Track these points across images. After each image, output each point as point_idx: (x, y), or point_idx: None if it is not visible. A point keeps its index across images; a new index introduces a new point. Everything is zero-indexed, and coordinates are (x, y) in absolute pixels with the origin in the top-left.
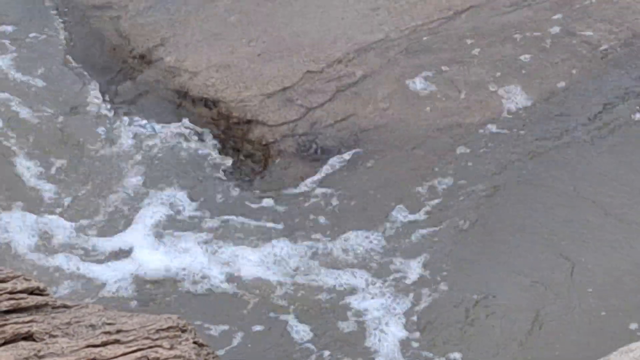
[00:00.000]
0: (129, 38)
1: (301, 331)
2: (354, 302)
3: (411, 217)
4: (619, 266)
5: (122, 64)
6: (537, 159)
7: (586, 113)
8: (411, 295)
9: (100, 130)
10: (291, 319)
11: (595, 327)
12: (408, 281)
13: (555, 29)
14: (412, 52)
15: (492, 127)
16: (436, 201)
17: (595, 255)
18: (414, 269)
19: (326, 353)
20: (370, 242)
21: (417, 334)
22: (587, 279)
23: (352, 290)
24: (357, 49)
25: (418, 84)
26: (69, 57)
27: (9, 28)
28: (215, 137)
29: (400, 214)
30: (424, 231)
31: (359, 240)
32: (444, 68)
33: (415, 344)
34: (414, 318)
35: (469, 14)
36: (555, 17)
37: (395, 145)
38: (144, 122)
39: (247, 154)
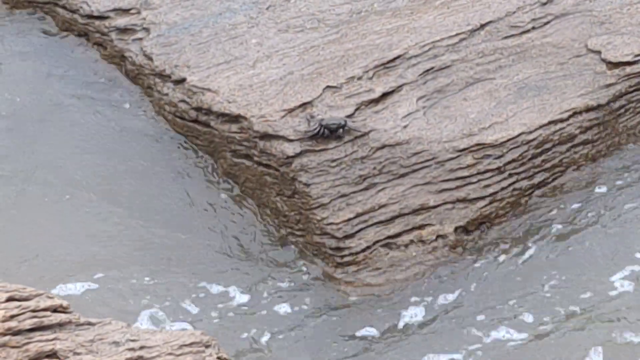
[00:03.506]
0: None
1: None
2: None
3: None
4: None
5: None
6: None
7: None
8: None
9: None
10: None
11: None
12: None
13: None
14: (431, 68)
15: (512, 148)
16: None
17: None
18: None
19: None
20: None
21: None
22: None
23: None
24: (377, 65)
25: (438, 101)
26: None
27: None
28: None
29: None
30: None
31: None
32: (463, 86)
33: None
34: None
35: (487, 30)
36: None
37: (416, 163)
38: None
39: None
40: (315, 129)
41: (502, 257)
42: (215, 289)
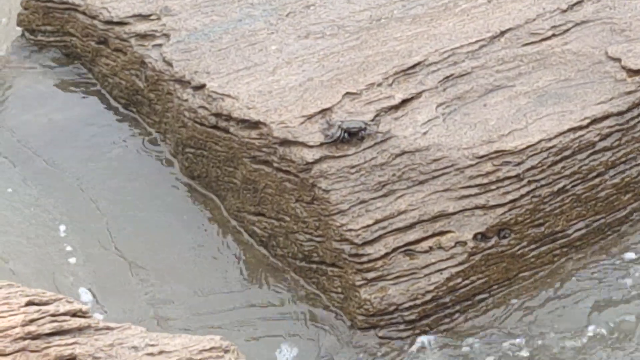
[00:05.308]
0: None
1: None
2: None
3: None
4: None
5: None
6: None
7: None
8: None
9: None
10: None
11: None
12: None
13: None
14: (451, 75)
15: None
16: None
17: None
18: None
19: None
20: None
21: None
22: None
23: None
24: (397, 71)
25: (458, 108)
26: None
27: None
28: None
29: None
30: None
31: None
32: (483, 93)
33: None
34: None
35: (507, 37)
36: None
37: (436, 169)
38: None
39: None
40: (334, 133)
41: None
42: None
